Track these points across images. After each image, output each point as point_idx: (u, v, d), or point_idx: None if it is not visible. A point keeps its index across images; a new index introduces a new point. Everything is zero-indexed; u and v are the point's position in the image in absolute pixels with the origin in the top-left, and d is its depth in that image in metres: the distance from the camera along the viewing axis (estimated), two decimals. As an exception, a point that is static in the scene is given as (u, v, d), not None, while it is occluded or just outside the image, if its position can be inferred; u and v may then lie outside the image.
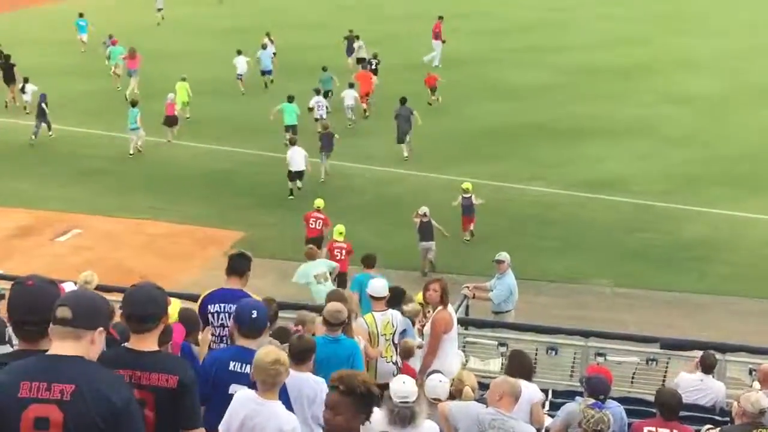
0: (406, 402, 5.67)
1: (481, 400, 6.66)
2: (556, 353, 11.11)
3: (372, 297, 8.91)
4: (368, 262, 13.21)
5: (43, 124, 25.33)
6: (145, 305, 4.19)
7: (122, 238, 18.57)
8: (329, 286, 13.38)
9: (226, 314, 6.89)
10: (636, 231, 19.30)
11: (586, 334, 11.36)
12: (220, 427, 5.10)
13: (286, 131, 23.67)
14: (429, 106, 25.88)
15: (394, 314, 8.73)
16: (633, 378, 11.16)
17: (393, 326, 8.60)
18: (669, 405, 7.03)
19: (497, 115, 27.94)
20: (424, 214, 17.10)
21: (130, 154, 24.05)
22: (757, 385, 8.72)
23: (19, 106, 28.02)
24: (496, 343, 11.33)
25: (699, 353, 9.41)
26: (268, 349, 5.28)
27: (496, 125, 27.00)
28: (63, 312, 3.52)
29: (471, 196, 18.35)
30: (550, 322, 13.81)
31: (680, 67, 33.40)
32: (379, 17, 42.90)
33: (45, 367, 3.52)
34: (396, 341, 8.67)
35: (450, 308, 8.62)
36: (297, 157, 20.71)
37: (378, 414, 5.84)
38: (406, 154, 23.62)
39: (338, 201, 18.89)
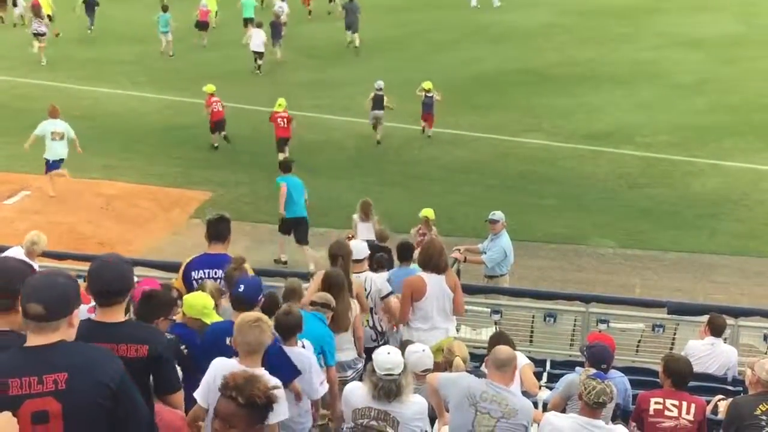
0: (391, 374, 5.68)
1: (474, 372, 6.70)
2: (554, 320, 11.18)
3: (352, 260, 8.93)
4: (284, 166, 15.18)
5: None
6: (113, 282, 4.42)
7: (75, 201, 18.37)
8: (64, 145, 16.92)
9: (212, 280, 7.30)
10: (641, 186, 19.38)
11: (586, 300, 11.44)
12: (198, 396, 5.20)
13: (245, 25, 29.26)
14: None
15: (369, 276, 8.72)
16: (638, 346, 11.28)
17: (366, 289, 8.59)
18: (681, 373, 7.08)
19: (488, 61, 27.78)
20: (380, 88, 20.47)
21: (171, 54, 28.79)
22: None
23: (8, 24, 31.57)
24: (489, 310, 11.37)
25: (709, 318, 9.47)
26: (247, 313, 5.51)
27: (487, 71, 26.87)
28: (35, 309, 3.65)
29: (433, 95, 20.88)
30: (548, 287, 13.94)
31: (690, 7, 33.27)
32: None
33: (30, 359, 3.65)
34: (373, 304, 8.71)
35: (429, 274, 8.46)
36: (256, 38, 26.80)
37: (361, 389, 5.87)
38: (348, 40, 29.40)
39: (316, 157, 18.78)
